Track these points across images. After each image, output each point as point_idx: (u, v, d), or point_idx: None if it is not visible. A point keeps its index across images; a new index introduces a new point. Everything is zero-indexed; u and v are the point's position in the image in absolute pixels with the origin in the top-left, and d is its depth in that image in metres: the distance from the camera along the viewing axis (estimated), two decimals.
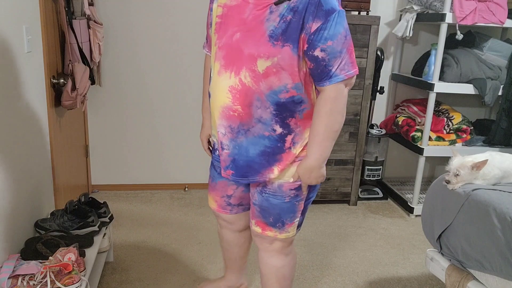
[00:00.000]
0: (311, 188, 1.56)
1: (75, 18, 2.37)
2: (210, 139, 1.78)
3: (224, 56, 1.39)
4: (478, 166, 1.72)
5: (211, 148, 1.79)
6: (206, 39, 1.67)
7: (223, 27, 1.40)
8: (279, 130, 1.42)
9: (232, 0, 1.39)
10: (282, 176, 1.50)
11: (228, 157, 1.49)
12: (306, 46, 1.31)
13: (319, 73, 1.34)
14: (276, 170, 1.47)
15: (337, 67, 1.32)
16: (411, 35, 3.04)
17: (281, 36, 1.30)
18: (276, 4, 1.31)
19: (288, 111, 1.40)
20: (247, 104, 1.38)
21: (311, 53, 1.31)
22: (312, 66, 1.34)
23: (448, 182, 1.78)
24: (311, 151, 1.42)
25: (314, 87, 1.43)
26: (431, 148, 3.01)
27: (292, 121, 1.42)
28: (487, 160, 1.71)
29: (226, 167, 1.53)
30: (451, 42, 3.01)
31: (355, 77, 1.39)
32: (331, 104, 1.36)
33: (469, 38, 3.06)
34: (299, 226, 1.62)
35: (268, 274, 1.69)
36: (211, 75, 1.49)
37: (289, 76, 1.35)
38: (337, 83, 1.34)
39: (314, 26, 1.28)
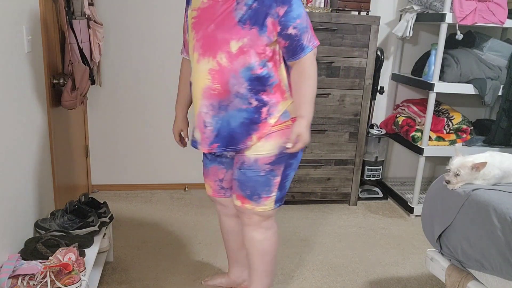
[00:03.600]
0: (287, 165, 1.71)
1: (75, 18, 2.37)
2: (182, 133, 2.01)
3: (202, 46, 1.61)
4: (477, 167, 1.72)
5: (187, 140, 2.02)
6: (184, 44, 1.87)
7: (199, 24, 1.63)
8: (254, 103, 1.62)
9: (204, 3, 1.61)
10: (258, 150, 1.67)
11: (212, 132, 1.68)
12: (279, 28, 1.55)
13: (294, 48, 1.58)
14: (254, 138, 1.66)
15: (307, 40, 1.59)
16: (411, 35, 3.05)
17: (248, 21, 1.53)
18: None
19: (260, 86, 1.61)
20: (224, 82, 1.59)
21: (285, 32, 1.55)
22: (287, 44, 1.58)
23: (448, 182, 1.78)
24: (305, 110, 1.63)
25: (282, 65, 1.65)
26: (431, 148, 3.01)
27: (264, 94, 1.62)
28: (486, 162, 1.71)
29: (210, 143, 1.70)
30: (451, 42, 3.01)
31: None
32: (309, 70, 1.61)
33: (469, 38, 3.06)
34: (278, 201, 1.76)
35: (250, 248, 1.83)
36: (192, 66, 1.70)
37: (256, 54, 1.57)
38: (309, 53, 1.60)
39: (282, 10, 1.53)
